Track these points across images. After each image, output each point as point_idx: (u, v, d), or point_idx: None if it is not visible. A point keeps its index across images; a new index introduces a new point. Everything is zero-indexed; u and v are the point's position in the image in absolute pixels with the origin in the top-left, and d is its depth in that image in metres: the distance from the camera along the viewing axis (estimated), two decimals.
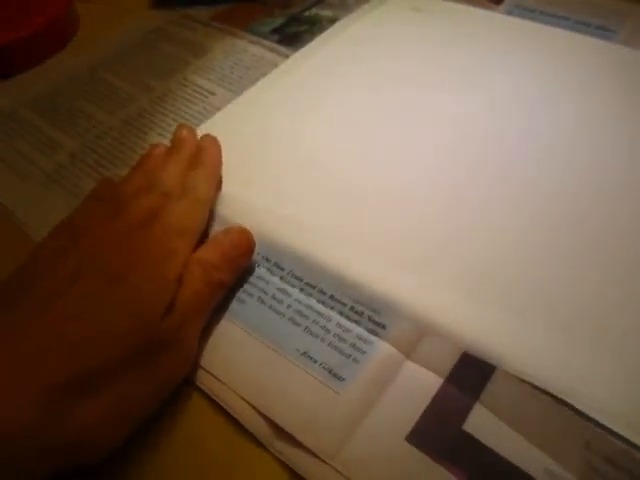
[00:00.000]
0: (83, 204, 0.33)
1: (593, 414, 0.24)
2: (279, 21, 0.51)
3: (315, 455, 0.24)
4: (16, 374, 0.23)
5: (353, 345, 0.27)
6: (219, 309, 0.29)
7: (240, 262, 0.30)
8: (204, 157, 0.35)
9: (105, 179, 0.36)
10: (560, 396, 0.24)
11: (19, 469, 0.22)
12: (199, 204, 0.32)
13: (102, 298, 0.25)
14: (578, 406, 0.24)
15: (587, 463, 0.23)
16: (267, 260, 0.31)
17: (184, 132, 0.37)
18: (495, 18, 0.47)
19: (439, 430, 0.24)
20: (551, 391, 0.25)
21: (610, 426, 0.23)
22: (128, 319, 0.25)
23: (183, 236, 0.29)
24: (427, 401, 0.25)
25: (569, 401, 0.24)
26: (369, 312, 0.28)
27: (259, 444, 0.25)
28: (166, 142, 0.39)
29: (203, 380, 0.27)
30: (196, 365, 0.27)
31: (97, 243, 0.28)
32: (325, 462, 0.24)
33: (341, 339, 0.27)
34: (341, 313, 0.28)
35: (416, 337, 0.27)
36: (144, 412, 0.25)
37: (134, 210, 0.30)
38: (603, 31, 0.44)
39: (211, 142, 0.37)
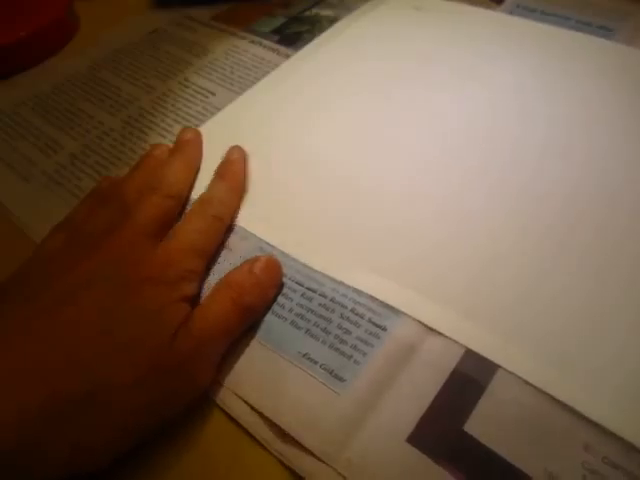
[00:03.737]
0: (85, 202, 0.33)
1: (592, 416, 0.24)
2: (280, 21, 0.50)
3: (316, 456, 0.24)
4: (20, 379, 0.22)
5: (354, 347, 0.27)
6: None
7: (270, 293, 0.29)
8: (233, 169, 0.34)
9: (106, 177, 0.35)
10: (560, 398, 0.24)
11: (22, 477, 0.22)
12: (219, 223, 0.31)
13: (114, 311, 0.25)
14: (577, 408, 0.24)
15: (586, 464, 0.23)
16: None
17: (189, 134, 0.36)
18: (496, 17, 0.47)
19: (440, 431, 0.24)
20: (551, 393, 0.25)
21: (609, 428, 0.23)
22: (138, 337, 0.24)
23: (199, 257, 0.29)
24: (428, 402, 0.25)
25: (568, 403, 0.24)
26: (370, 314, 0.28)
27: (260, 445, 0.25)
28: (166, 142, 0.39)
29: None
30: None
31: (108, 253, 0.27)
32: (326, 463, 0.24)
33: (342, 341, 0.27)
34: (342, 315, 0.28)
35: (417, 339, 0.27)
36: (148, 428, 0.25)
37: (142, 214, 0.29)
38: (604, 31, 0.44)
39: (239, 154, 0.35)
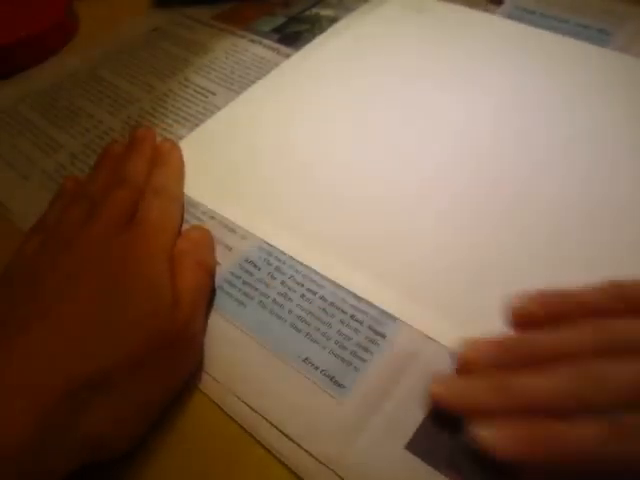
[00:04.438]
0: (54, 204, 0.34)
1: None
2: (280, 21, 0.50)
3: (316, 458, 0.24)
4: (33, 375, 0.22)
5: (354, 353, 0.27)
6: (219, 311, 0.30)
7: (212, 250, 0.32)
8: (168, 158, 0.36)
9: (70, 177, 0.37)
10: None
11: (37, 468, 0.21)
12: (175, 202, 0.33)
13: (110, 293, 0.26)
14: None
15: None
16: (268, 264, 0.31)
17: (143, 131, 0.37)
18: (494, 21, 0.47)
19: (438, 438, 0.24)
20: None
21: None
22: (142, 312, 0.25)
23: (166, 233, 0.30)
24: (426, 409, 0.25)
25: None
26: (369, 321, 0.28)
27: (260, 445, 0.25)
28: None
29: (205, 382, 0.27)
30: (198, 367, 0.28)
31: (88, 245, 0.28)
32: (326, 466, 0.24)
33: (342, 347, 0.28)
34: (342, 321, 0.28)
35: (415, 346, 0.27)
36: (160, 407, 0.26)
37: (112, 206, 0.30)
38: (602, 34, 0.44)
39: (172, 145, 0.38)
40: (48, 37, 0.49)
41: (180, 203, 0.34)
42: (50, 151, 0.41)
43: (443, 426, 0.25)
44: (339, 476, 0.24)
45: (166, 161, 0.36)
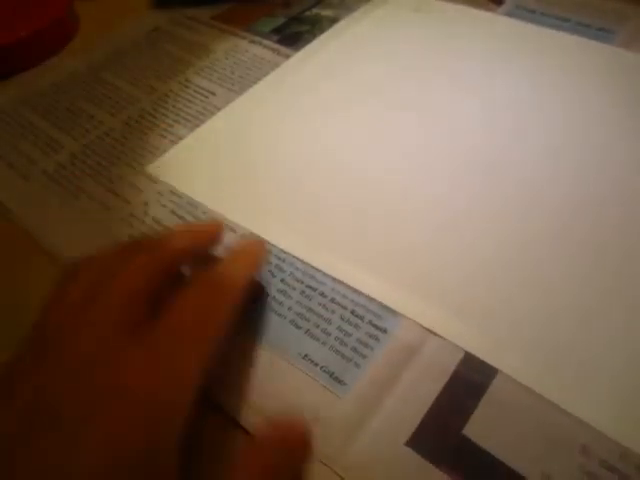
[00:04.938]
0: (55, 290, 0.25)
1: (588, 420, 0.24)
2: (280, 21, 0.51)
3: (316, 457, 0.24)
4: None
5: (354, 349, 0.27)
6: None
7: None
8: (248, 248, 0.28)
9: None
10: (556, 402, 0.25)
11: None
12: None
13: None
14: (574, 412, 0.24)
15: (583, 467, 0.23)
16: (268, 262, 0.31)
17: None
18: (496, 20, 0.47)
19: (439, 435, 0.24)
20: (548, 397, 0.25)
21: (604, 432, 0.24)
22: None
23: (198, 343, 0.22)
24: (427, 406, 0.25)
25: (565, 407, 0.24)
26: (370, 316, 0.28)
27: None
28: (166, 142, 0.39)
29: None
30: None
31: (78, 361, 0.20)
32: (325, 464, 0.24)
33: (342, 343, 0.27)
34: (342, 317, 0.28)
35: (416, 341, 0.27)
36: None
37: (125, 284, 0.23)
38: (603, 33, 0.44)
39: (261, 245, 0.30)
40: (48, 37, 0.49)
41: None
42: (50, 151, 0.40)
43: (444, 423, 0.24)
44: (339, 476, 0.23)
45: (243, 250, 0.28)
